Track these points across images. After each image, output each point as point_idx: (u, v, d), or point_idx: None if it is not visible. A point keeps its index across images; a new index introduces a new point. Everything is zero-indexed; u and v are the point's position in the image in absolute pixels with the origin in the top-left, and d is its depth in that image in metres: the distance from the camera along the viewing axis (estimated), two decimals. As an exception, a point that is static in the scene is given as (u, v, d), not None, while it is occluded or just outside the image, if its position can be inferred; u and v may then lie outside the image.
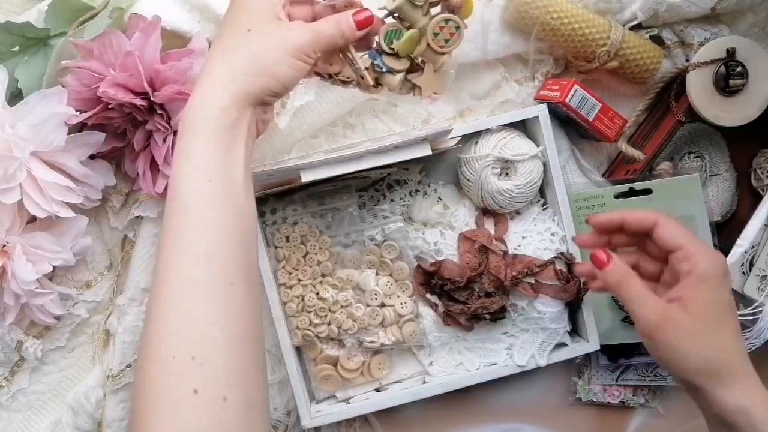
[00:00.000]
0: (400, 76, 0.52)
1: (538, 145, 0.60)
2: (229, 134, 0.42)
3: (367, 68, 0.51)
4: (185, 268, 0.39)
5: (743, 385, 0.46)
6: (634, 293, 0.47)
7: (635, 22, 0.60)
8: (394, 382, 0.62)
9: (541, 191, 0.62)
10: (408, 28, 0.50)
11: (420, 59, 0.52)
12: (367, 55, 0.51)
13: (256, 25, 0.44)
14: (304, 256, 0.60)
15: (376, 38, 0.50)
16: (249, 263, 0.42)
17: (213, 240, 0.40)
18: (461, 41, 0.51)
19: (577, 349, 0.61)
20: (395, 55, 0.51)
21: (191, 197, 0.41)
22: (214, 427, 0.36)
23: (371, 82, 0.51)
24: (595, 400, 0.64)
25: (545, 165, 0.60)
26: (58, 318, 0.59)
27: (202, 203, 0.41)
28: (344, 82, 0.52)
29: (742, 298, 0.61)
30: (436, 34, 0.50)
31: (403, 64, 0.51)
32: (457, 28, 0.51)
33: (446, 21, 0.50)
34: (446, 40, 0.51)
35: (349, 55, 0.50)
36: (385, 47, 0.50)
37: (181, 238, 0.40)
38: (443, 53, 0.51)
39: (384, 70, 0.51)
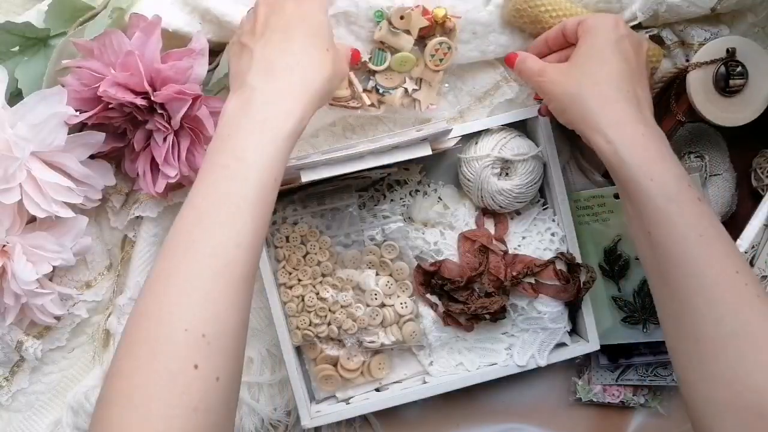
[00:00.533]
0: (400, 92, 0.58)
1: (538, 145, 0.60)
2: (293, 141, 0.45)
3: (367, 90, 0.58)
4: (223, 255, 0.40)
5: (615, 119, 0.47)
6: (526, 63, 0.53)
7: (635, 22, 0.59)
8: (394, 382, 0.62)
9: (541, 191, 0.62)
10: (394, 52, 0.57)
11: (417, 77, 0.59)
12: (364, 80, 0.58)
13: (331, 46, 0.48)
14: (304, 256, 0.60)
15: (369, 64, 0.57)
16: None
17: (259, 235, 0.42)
18: (452, 58, 0.58)
19: (577, 349, 0.61)
20: (386, 73, 0.58)
21: (255, 189, 0.42)
22: (203, 403, 0.37)
23: (368, 102, 0.57)
24: (595, 400, 0.64)
25: (545, 165, 0.60)
26: (58, 318, 0.59)
27: (262, 199, 0.42)
28: (354, 108, 0.58)
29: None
30: (432, 56, 0.57)
31: (395, 81, 0.58)
32: (449, 48, 0.57)
33: (440, 43, 0.57)
34: (441, 60, 0.58)
35: (353, 80, 0.57)
36: (373, 68, 0.57)
37: (228, 225, 0.41)
38: (438, 71, 0.58)
39: (382, 91, 0.58)
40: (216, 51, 0.58)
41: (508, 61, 0.56)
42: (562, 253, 0.60)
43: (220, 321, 0.39)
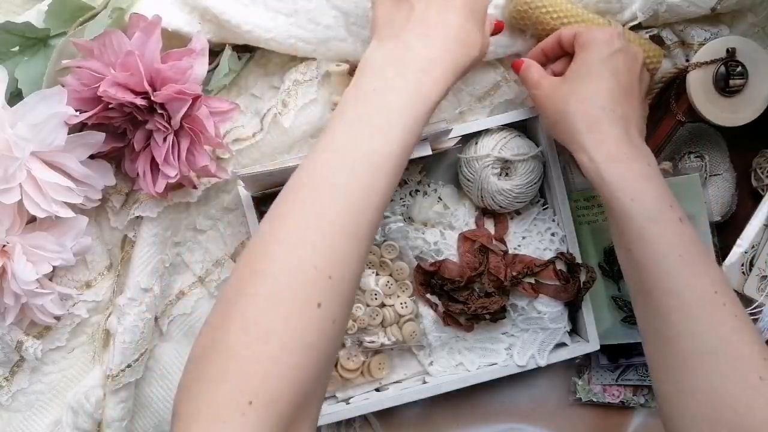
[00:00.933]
0: None
1: (538, 145, 0.60)
2: (431, 110, 0.44)
3: None
4: (356, 204, 0.39)
5: (598, 137, 0.48)
6: (528, 71, 0.54)
7: (635, 22, 0.59)
8: (394, 382, 0.62)
9: (541, 191, 0.62)
10: None
11: None
12: None
13: (485, 21, 0.49)
14: None
15: None
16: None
17: (384, 194, 0.41)
18: None
19: (577, 349, 0.61)
20: None
21: (383, 157, 0.41)
22: (318, 342, 0.37)
23: None
24: (595, 400, 0.64)
25: (545, 165, 0.60)
26: (58, 318, 0.59)
27: (390, 166, 0.41)
28: None
29: (742, 299, 0.60)
30: None
31: None
32: None
33: None
34: None
35: None
36: None
37: (363, 181, 0.40)
38: None
39: None
40: (216, 51, 0.58)
41: (514, 66, 0.56)
42: (562, 253, 0.60)
43: (345, 266, 0.38)
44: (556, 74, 0.56)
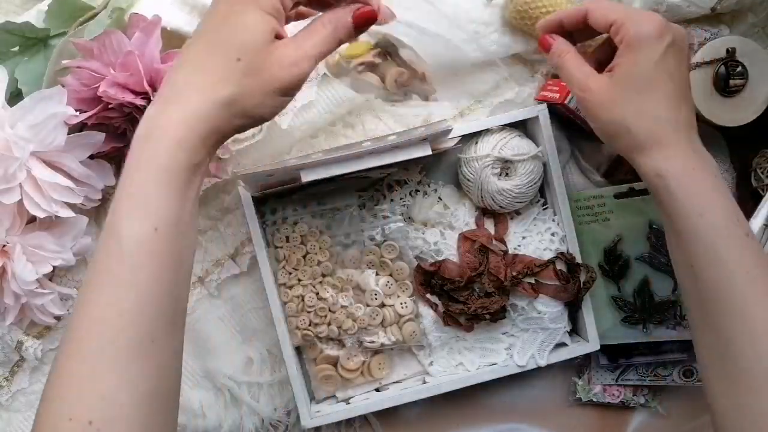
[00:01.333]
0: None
1: (538, 145, 0.60)
2: (188, 174, 0.38)
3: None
4: (106, 325, 0.35)
5: (664, 153, 0.45)
6: (568, 63, 0.48)
7: None
8: (394, 382, 0.62)
9: (541, 191, 0.62)
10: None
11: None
12: None
13: (247, 55, 0.38)
14: (304, 256, 0.60)
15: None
16: (177, 309, 0.39)
17: (144, 294, 0.36)
18: None
19: (577, 349, 0.61)
20: None
21: (131, 243, 0.36)
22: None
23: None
24: (595, 400, 0.64)
25: (545, 165, 0.60)
26: (58, 318, 0.59)
27: (142, 253, 0.36)
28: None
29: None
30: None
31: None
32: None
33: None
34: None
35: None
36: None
37: (109, 287, 0.36)
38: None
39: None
40: None
41: (542, 44, 0.51)
42: (562, 253, 0.60)
43: (109, 403, 0.34)
44: (599, 64, 0.50)
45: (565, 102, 0.57)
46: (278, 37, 0.41)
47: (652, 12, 0.48)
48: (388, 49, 0.60)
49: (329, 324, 0.60)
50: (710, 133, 0.63)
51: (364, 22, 0.42)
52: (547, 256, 0.60)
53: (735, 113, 0.59)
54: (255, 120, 0.41)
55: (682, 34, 0.47)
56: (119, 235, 0.37)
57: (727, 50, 0.58)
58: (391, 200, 0.61)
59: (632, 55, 0.45)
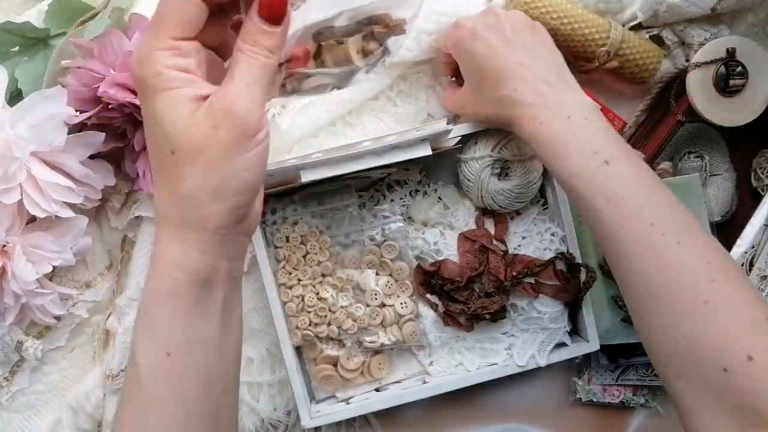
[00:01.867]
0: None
1: (538, 145, 0.60)
2: (197, 291, 0.35)
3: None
4: None
5: (523, 125, 0.50)
6: (445, 102, 0.60)
7: (635, 22, 0.59)
8: (394, 382, 0.62)
9: (541, 191, 0.62)
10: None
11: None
12: None
13: (176, 142, 0.32)
14: (304, 256, 0.60)
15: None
16: (217, 419, 0.37)
17: (168, 417, 0.35)
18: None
19: (577, 349, 0.61)
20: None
21: (146, 372, 0.35)
22: None
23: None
24: (595, 400, 0.64)
25: (544, 166, 0.60)
26: (58, 318, 0.59)
27: (157, 380, 0.35)
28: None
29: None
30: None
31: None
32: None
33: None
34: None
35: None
36: None
37: (134, 411, 0.35)
38: None
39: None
40: None
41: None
42: (562, 253, 0.60)
43: None
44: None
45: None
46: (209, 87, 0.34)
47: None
48: (320, 40, 0.47)
49: (329, 324, 0.60)
50: (710, 133, 0.64)
51: (269, 13, 0.33)
52: (547, 256, 0.60)
53: (735, 113, 0.59)
54: (241, 191, 0.34)
55: (487, 15, 0.54)
56: (135, 360, 0.36)
57: (727, 50, 0.58)
58: (391, 200, 0.61)
59: (457, 59, 0.56)
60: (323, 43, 0.43)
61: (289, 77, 0.41)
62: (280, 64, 0.39)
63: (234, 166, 0.33)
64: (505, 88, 0.51)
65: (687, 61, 0.61)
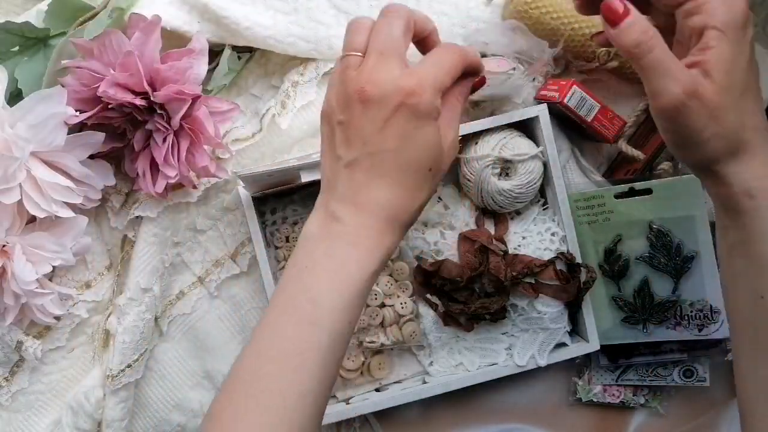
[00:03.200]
0: None
1: (538, 145, 0.60)
2: (375, 278, 0.41)
3: None
4: (290, 401, 0.38)
5: (757, 168, 0.39)
6: (658, 57, 0.37)
7: None
8: (394, 382, 0.62)
9: (541, 191, 0.62)
10: None
11: None
12: None
13: (436, 163, 0.41)
14: None
15: None
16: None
17: (319, 381, 0.39)
18: None
19: (577, 349, 0.61)
20: None
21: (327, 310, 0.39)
22: None
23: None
24: (595, 400, 0.64)
25: (545, 165, 0.60)
26: (58, 318, 0.59)
27: (330, 345, 0.39)
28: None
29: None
30: None
31: None
32: None
33: None
34: None
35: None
36: None
37: (292, 374, 0.38)
38: None
39: None
40: (216, 51, 0.58)
41: (610, 14, 0.39)
42: (562, 253, 0.59)
43: None
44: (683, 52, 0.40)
45: (564, 101, 0.57)
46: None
47: None
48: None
49: (329, 324, 0.59)
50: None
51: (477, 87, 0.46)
52: (547, 256, 0.60)
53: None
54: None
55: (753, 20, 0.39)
56: (318, 311, 0.40)
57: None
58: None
59: (727, 47, 0.37)
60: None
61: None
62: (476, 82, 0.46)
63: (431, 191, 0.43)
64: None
65: None
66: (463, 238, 0.60)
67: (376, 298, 0.60)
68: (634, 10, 0.38)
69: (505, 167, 0.59)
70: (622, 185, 0.60)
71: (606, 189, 0.61)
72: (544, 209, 0.62)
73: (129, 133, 0.56)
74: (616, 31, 0.38)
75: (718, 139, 0.39)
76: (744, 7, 0.38)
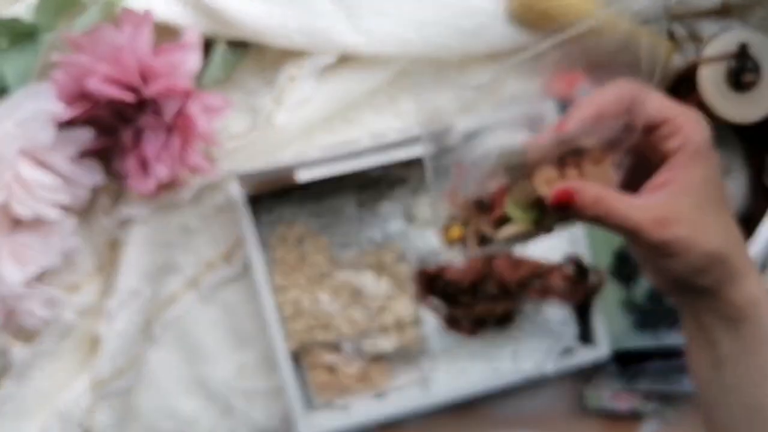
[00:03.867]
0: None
1: (543, 143, 0.59)
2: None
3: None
4: None
5: (750, 275, 0.39)
6: (615, 206, 0.37)
7: (645, 17, 0.59)
8: (394, 389, 0.61)
9: (548, 190, 0.61)
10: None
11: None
12: None
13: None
14: (301, 258, 0.59)
15: None
16: None
17: None
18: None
19: (585, 354, 0.60)
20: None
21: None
22: None
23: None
24: (604, 407, 0.63)
25: (552, 163, 0.59)
26: (45, 321, 0.57)
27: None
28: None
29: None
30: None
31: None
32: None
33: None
34: None
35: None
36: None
37: None
38: None
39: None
40: (209, 45, 0.57)
41: (560, 198, 0.38)
42: (570, 256, 0.59)
43: None
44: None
45: (570, 96, 0.57)
46: None
47: (698, 115, 0.40)
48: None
49: (326, 328, 0.59)
50: (723, 130, 0.62)
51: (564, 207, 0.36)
52: (556, 258, 0.59)
53: (748, 109, 0.58)
54: None
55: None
56: None
57: (739, 44, 0.57)
58: (391, 200, 0.60)
59: (701, 166, 0.38)
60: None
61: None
62: (479, 204, 0.37)
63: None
64: None
65: (698, 55, 0.60)
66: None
67: (375, 302, 0.59)
68: (579, 187, 0.38)
69: (510, 165, 0.59)
70: (632, 184, 0.60)
71: (615, 188, 0.60)
72: (550, 209, 0.61)
73: (119, 131, 0.55)
74: (575, 210, 0.38)
75: (703, 255, 0.38)
76: (709, 132, 0.39)
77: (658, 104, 0.38)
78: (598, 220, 0.38)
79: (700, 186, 0.38)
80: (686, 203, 0.37)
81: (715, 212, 0.38)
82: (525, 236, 0.37)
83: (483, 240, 0.37)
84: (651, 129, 0.39)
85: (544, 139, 0.40)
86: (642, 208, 0.37)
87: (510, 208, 0.36)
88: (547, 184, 0.36)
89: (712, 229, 0.38)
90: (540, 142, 0.40)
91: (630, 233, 0.38)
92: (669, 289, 0.41)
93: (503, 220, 0.36)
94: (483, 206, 0.36)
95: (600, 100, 0.40)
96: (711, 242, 0.37)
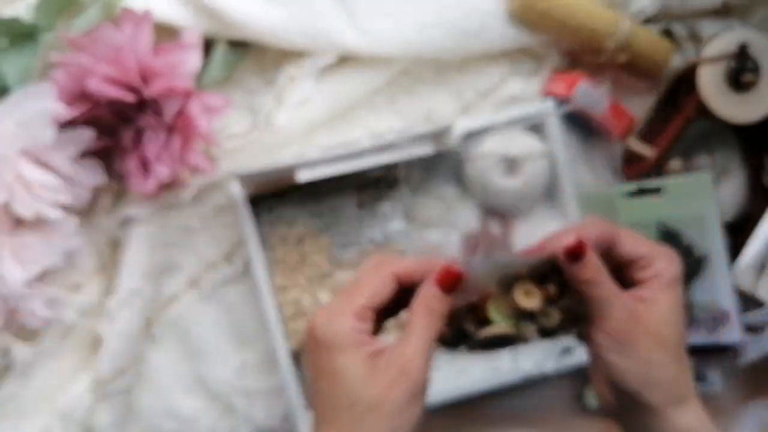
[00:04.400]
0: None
1: (545, 143, 0.59)
2: None
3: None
4: None
5: (694, 405, 0.42)
6: (606, 291, 0.40)
7: (645, 16, 0.59)
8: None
9: (548, 190, 0.61)
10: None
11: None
12: None
13: (356, 396, 0.37)
14: (301, 258, 0.59)
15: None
16: None
17: None
18: None
19: (584, 353, 0.59)
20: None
21: None
22: None
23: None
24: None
25: (552, 163, 0.59)
26: (46, 321, 0.57)
27: None
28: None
29: (753, 302, 0.59)
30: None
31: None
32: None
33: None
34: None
35: None
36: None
37: None
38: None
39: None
40: (209, 45, 0.57)
41: (575, 249, 0.40)
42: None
43: None
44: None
45: (570, 96, 0.57)
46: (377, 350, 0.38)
47: (670, 251, 0.43)
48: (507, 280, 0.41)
49: (327, 328, 0.59)
50: (722, 130, 0.62)
51: (450, 284, 0.39)
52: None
53: (747, 109, 0.58)
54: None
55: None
56: None
57: (739, 44, 0.58)
58: (392, 200, 0.60)
59: (671, 296, 0.41)
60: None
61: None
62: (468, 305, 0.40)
63: (403, 419, 0.37)
64: None
65: (697, 55, 0.60)
66: (467, 239, 0.59)
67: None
68: (590, 250, 0.40)
69: (511, 166, 0.59)
70: (631, 184, 0.60)
71: (614, 188, 0.60)
72: (551, 209, 0.61)
73: (119, 130, 0.55)
74: (575, 266, 0.40)
75: (662, 369, 0.41)
76: (679, 266, 0.42)
77: (634, 243, 0.42)
78: (588, 282, 0.40)
79: (669, 312, 0.41)
80: (654, 319, 0.41)
81: (678, 339, 0.41)
82: (502, 340, 0.40)
83: (464, 336, 0.40)
84: (627, 264, 0.42)
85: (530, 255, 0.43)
86: (620, 303, 0.40)
87: (492, 312, 0.39)
88: (526, 296, 0.40)
89: (673, 350, 0.41)
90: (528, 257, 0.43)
91: (601, 317, 0.40)
92: (615, 402, 0.44)
93: (485, 322, 0.39)
94: (470, 308, 0.40)
95: (594, 233, 0.42)
96: (669, 361, 0.41)
